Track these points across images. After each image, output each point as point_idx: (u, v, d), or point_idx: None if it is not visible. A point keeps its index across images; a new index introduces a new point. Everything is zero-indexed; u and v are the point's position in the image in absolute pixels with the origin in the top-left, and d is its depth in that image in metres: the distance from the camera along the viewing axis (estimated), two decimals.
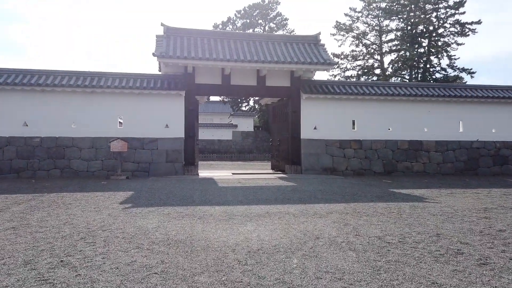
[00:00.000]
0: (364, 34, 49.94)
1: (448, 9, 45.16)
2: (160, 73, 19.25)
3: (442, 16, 45.76)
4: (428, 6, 46.46)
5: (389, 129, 20.20)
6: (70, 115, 17.49)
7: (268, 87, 19.27)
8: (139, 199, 10.34)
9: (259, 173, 19.55)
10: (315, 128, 19.43)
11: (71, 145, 17.40)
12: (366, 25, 50.00)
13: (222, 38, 18.83)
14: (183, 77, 18.41)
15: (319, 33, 19.79)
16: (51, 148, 17.25)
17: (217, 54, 17.53)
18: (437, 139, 20.46)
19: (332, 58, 18.86)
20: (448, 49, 46.08)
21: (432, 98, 20.11)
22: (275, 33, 20.05)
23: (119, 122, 18.24)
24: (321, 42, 19.77)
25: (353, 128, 20.11)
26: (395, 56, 48.29)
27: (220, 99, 62.38)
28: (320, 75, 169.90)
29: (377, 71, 49.62)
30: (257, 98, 26.99)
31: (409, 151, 20.19)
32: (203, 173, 19.55)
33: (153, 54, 16.66)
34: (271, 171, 21.71)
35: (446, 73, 46.42)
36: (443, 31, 46.05)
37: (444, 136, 20.55)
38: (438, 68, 47.24)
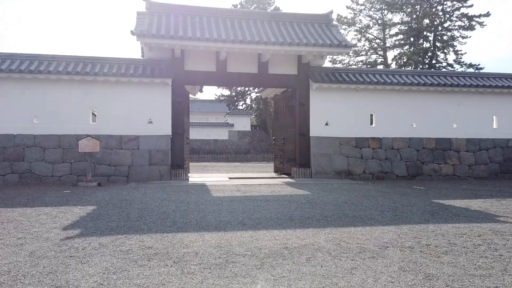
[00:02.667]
0: (367, 27, 47.22)
1: (455, 2, 42.49)
2: (144, 58, 16.14)
3: (448, 9, 43.12)
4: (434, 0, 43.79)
5: (412, 125, 17.23)
6: (32, 108, 14.36)
7: (271, 75, 16.23)
8: (98, 219, 7.26)
9: (261, 177, 16.51)
10: (326, 124, 16.43)
11: (32, 144, 14.26)
12: (369, 18, 47.38)
13: (216, 16, 15.77)
14: (170, 62, 15.34)
15: (331, 12, 16.79)
16: (7, 148, 14.10)
17: (211, 33, 14.47)
18: (468, 137, 17.52)
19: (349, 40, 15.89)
20: (455, 43, 43.48)
21: (463, 89, 17.16)
22: (280, 12, 16.83)
23: (92, 116, 15.14)
24: (334, 22, 16.77)
25: (371, 124, 17.13)
26: (400, 51, 45.63)
27: (216, 97, 59.49)
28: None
29: (380, 67, 46.83)
30: (257, 90, 23.93)
31: (436, 151, 17.22)
32: (194, 177, 16.49)
33: (132, 33, 13.57)
34: (274, 174, 18.69)
35: (453, 69, 43.72)
36: (449, 25, 43.40)
37: (476, 133, 17.61)
38: (444, 64, 44.59)
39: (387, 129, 16.90)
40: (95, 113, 15.11)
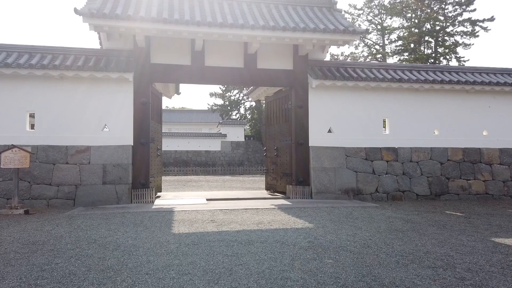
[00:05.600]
0: (366, 32, 44.62)
1: (456, 6, 39.98)
2: (101, 49, 12.91)
3: (450, 14, 40.58)
4: (435, 4, 41.27)
5: (434, 133, 14.07)
6: None
7: (260, 70, 13.07)
8: None
9: (248, 198, 13.18)
10: (329, 131, 13.26)
11: None
12: (368, 23, 44.98)
13: None
14: (133, 54, 12.16)
15: None
16: None
17: (182, 15, 11.31)
18: (501, 146, 14.37)
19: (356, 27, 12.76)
20: (457, 49, 40.89)
21: (495, 88, 14.05)
22: None
23: (30, 121, 11.85)
24: (338, 6, 13.68)
25: (385, 131, 13.96)
26: (400, 58, 42.96)
27: (209, 106, 56.50)
28: None
29: None
30: (246, 91, 20.77)
31: (463, 164, 14.03)
32: (166, 198, 13.15)
33: (76, 11, 10.35)
34: (265, 192, 15.40)
35: None
36: (451, 30, 40.84)
37: (510, 142, 14.47)
38: None
39: (404, 138, 13.72)
40: (33, 120, 11.81)
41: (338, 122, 13.29)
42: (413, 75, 13.75)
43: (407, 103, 13.82)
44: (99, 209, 10.56)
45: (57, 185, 11.30)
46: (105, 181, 11.53)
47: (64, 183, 11.33)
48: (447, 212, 10.45)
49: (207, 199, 12.58)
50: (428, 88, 13.61)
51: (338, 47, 13.07)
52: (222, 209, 10.45)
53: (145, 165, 12.06)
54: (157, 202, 11.95)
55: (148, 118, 12.18)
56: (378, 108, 13.61)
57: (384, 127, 13.98)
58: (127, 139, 11.84)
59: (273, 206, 11.08)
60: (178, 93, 16.03)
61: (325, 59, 13.94)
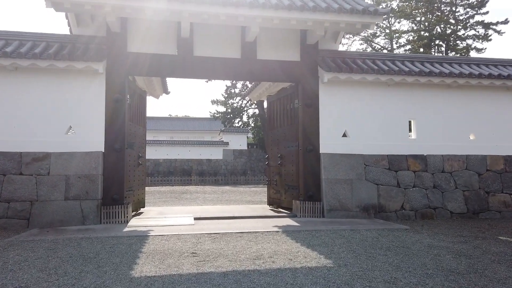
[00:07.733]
0: (374, 36, 42.57)
1: (468, 9, 37.88)
2: (70, 35, 10.73)
3: (461, 17, 38.48)
4: (445, 7, 39.19)
5: (470, 137, 11.76)
6: None
7: (261, 62, 10.86)
8: None
9: (246, 217, 10.84)
10: (344, 135, 10.99)
11: None
12: (376, 27, 42.83)
13: None
14: (105, 41, 10.02)
15: None
16: None
17: None
18: None
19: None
20: (470, 54, 38.69)
21: None
22: None
23: None
24: None
25: (411, 135, 11.67)
26: None
27: (210, 114, 54.57)
28: None
29: None
30: (245, 90, 18.59)
31: (505, 175, 11.67)
32: (147, 215, 10.84)
33: None
34: (267, 207, 13.09)
35: None
36: (463, 34, 38.70)
37: None
38: None
39: (434, 143, 11.41)
40: None
41: (354, 124, 11.02)
42: (445, 68, 11.48)
43: (437, 101, 11.54)
44: (56, 232, 8.31)
45: (7, 201, 9.07)
46: (68, 196, 9.29)
47: (16, 198, 9.10)
48: (501, 237, 8.09)
49: (196, 218, 10.27)
50: (463, 83, 11.31)
51: (350, 45, 10.76)
52: (210, 233, 8.16)
53: (119, 176, 9.80)
54: (133, 222, 9.66)
55: (123, 118, 9.95)
56: (402, 108, 11.33)
57: (410, 130, 11.70)
58: (97, 144, 9.63)
59: (276, 229, 8.77)
60: (167, 92, 13.85)
61: (338, 50, 11.71)
